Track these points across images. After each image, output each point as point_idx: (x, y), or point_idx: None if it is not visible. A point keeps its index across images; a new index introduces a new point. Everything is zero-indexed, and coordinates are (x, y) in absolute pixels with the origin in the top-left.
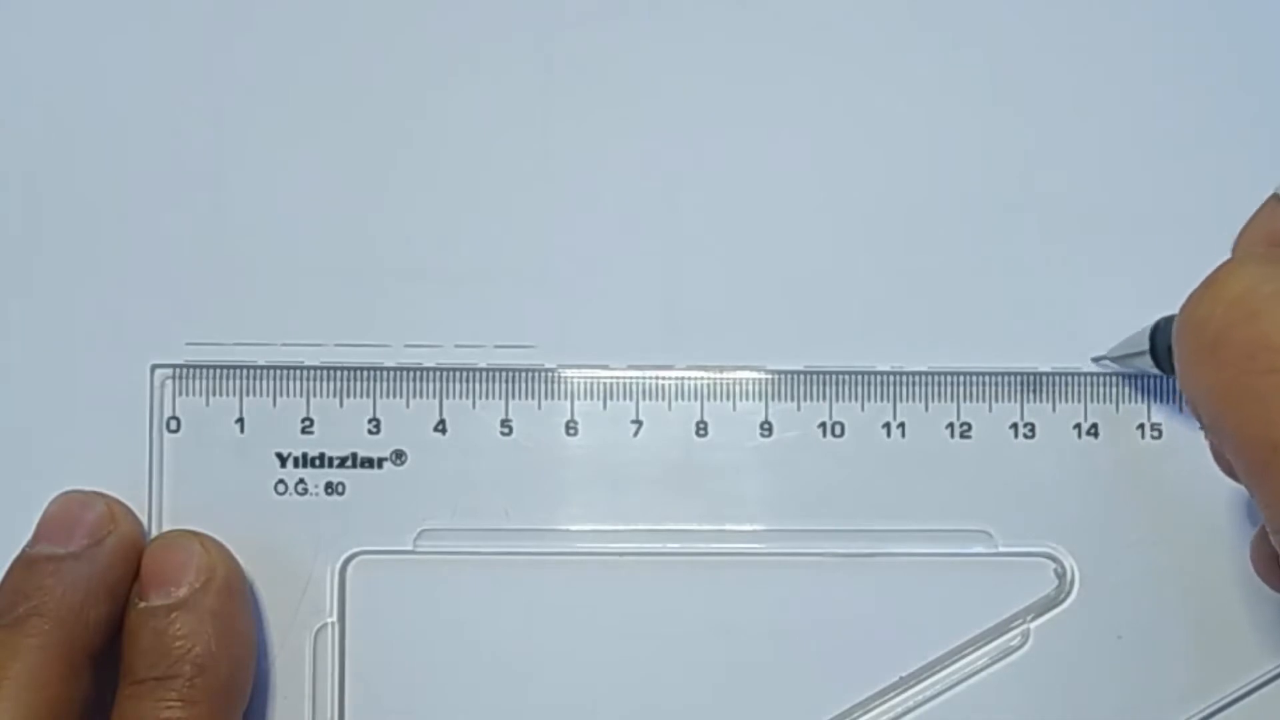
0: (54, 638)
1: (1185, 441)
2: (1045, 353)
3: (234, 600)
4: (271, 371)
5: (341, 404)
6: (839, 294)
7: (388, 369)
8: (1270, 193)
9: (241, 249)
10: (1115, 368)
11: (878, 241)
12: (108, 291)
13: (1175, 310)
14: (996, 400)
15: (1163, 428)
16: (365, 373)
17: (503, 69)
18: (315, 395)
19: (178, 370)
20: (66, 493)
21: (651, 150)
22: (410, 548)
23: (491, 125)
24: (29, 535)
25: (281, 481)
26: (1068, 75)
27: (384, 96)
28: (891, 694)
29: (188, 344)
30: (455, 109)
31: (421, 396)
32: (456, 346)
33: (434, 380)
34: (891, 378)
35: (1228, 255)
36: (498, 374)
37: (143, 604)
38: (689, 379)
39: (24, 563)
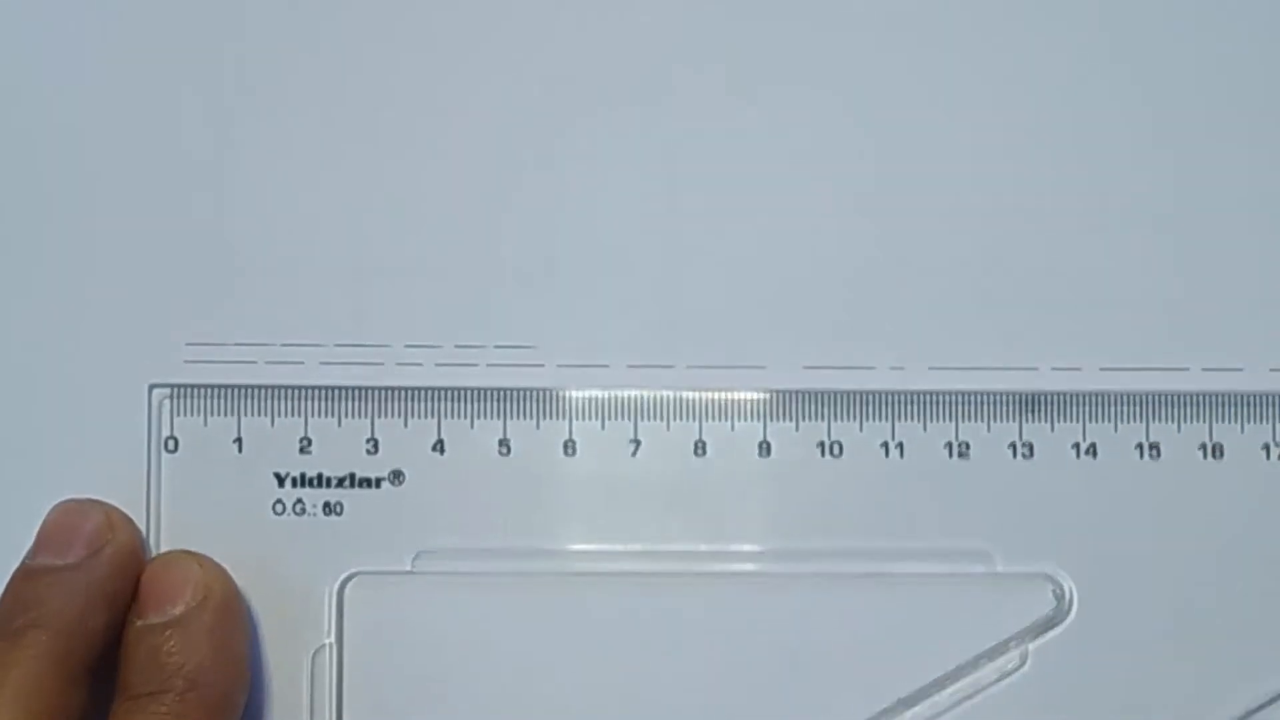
0: (51, 648)
1: (1183, 461)
2: (1045, 375)
3: (229, 618)
4: (269, 391)
5: (339, 424)
6: (840, 296)
7: (385, 389)
8: None
9: (241, 249)
10: None
11: (879, 251)
12: (108, 292)
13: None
14: (995, 420)
15: (1161, 447)
16: (363, 392)
17: (503, 69)
18: (313, 415)
19: (175, 390)
20: (65, 502)
21: (652, 149)
22: (408, 568)
23: (492, 125)
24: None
25: (280, 501)
26: (1066, 91)
27: (385, 97)
28: (891, 715)
29: (188, 344)
30: (455, 109)
31: (419, 416)
32: (456, 347)
33: (432, 400)
34: (890, 397)
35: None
36: (496, 393)
37: (140, 622)
38: (687, 398)
39: (23, 574)
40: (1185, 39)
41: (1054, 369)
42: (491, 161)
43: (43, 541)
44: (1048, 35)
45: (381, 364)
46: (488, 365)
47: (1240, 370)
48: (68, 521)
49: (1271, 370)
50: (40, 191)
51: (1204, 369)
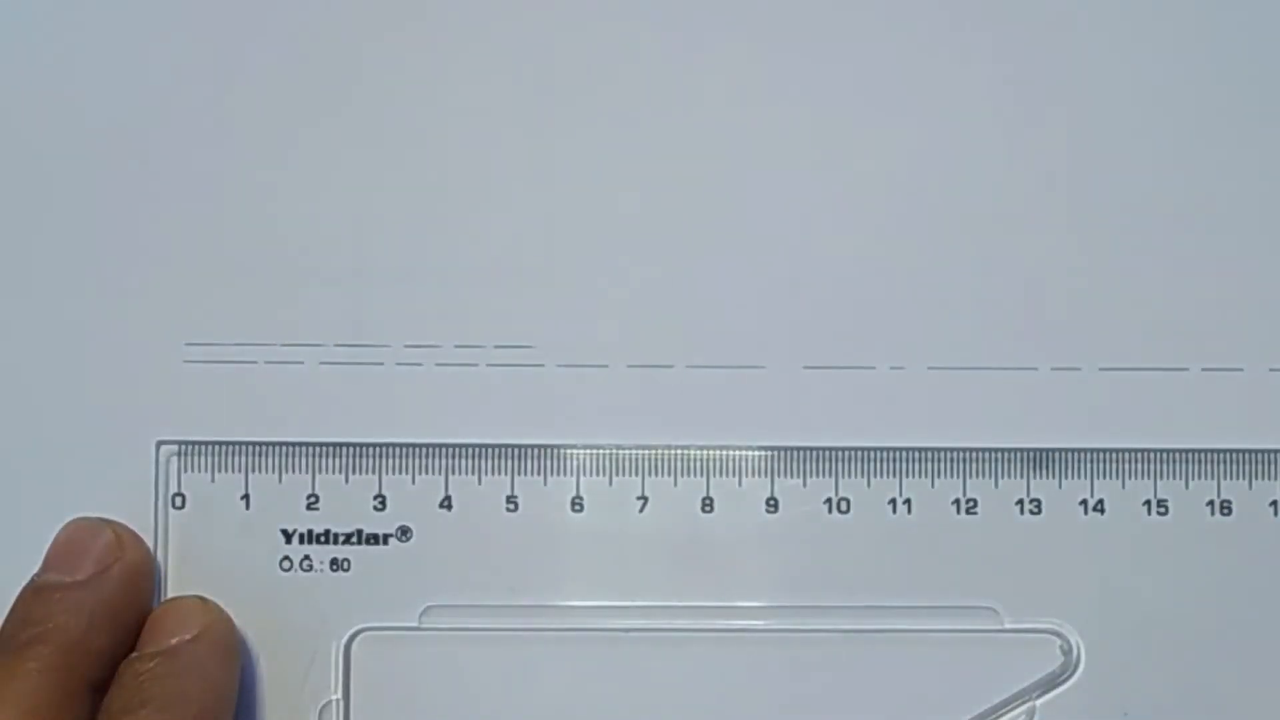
0: (54, 663)
1: (1191, 518)
2: (1045, 374)
3: (221, 656)
4: (277, 448)
5: (347, 480)
6: (840, 296)
7: (393, 446)
8: None
9: (241, 249)
10: None
11: (879, 250)
12: (107, 296)
13: None
14: (1002, 476)
15: (1169, 504)
16: (371, 449)
17: (503, 69)
18: (321, 471)
19: (183, 446)
20: (75, 520)
21: (652, 149)
22: (415, 624)
23: (491, 125)
24: None
25: (287, 558)
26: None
27: (384, 97)
28: None
29: (187, 344)
30: (455, 108)
31: (427, 473)
32: (456, 346)
33: (439, 457)
34: (897, 454)
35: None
36: (503, 450)
37: (134, 654)
38: (694, 454)
39: (32, 591)
40: (1185, 38)
41: (1054, 369)
42: (491, 161)
43: (52, 558)
44: (1048, 35)
45: (381, 364)
46: (488, 365)
47: (1240, 370)
48: (77, 539)
49: (1271, 370)
50: (39, 191)
51: (1204, 369)
